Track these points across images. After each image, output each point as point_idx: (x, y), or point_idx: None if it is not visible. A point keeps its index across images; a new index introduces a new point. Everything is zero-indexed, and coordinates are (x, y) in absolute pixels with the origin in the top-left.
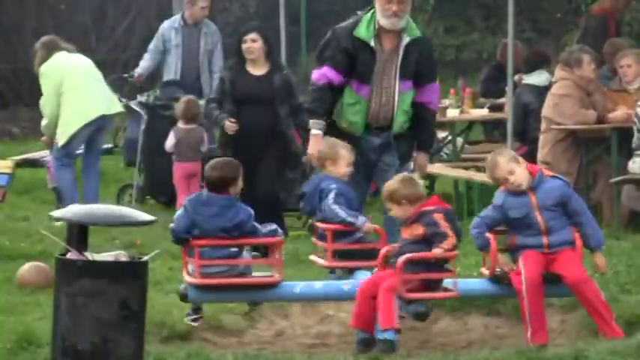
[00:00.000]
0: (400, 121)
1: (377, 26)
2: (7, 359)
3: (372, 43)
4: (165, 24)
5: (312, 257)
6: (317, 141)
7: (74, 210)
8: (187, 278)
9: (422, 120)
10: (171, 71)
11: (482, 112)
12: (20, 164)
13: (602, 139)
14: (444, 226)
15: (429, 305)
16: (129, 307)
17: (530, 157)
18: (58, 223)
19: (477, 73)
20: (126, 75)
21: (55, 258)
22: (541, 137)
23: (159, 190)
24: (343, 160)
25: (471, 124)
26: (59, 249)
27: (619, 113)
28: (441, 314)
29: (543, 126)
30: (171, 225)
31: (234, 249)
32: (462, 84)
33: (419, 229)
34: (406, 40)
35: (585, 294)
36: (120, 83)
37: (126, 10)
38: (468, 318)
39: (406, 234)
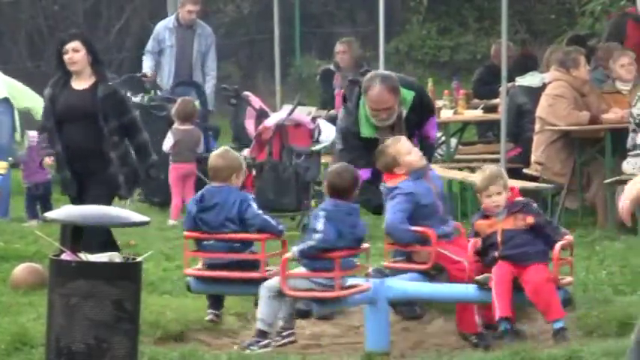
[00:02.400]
0: None
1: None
2: None
3: (377, 135)
4: (160, 24)
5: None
6: None
7: (68, 211)
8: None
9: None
10: (165, 72)
11: (476, 113)
12: (14, 165)
13: (596, 139)
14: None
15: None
16: (123, 308)
17: (524, 157)
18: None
19: (470, 74)
20: (138, 74)
21: (49, 259)
22: (535, 138)
23: (153, 191)
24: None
25: (464, 125)
26: (53, 250)
27: (612, 114)
28: (434, 315)
29: (537, 127)
30: (320, 236)
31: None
32: (455, 85)
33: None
34: (404, 113)
35: None
36: (132, 83)
37: (120, 11)
38: None
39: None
